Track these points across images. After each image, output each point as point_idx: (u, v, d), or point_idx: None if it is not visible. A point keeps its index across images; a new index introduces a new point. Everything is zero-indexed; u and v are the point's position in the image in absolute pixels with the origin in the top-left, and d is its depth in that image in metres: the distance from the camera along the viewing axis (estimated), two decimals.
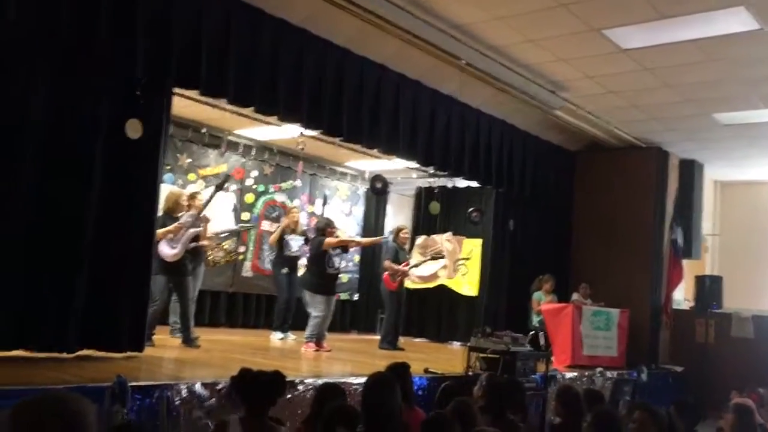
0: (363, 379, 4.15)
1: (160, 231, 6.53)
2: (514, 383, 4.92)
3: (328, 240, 7.99)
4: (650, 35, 6.62)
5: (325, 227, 8.19)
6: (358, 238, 10.91)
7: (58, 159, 5.12)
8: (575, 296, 9.80)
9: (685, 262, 10.68)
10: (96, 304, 5.29)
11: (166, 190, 7.66)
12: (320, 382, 4.86)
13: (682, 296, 11.23)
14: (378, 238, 10.71)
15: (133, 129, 5.45)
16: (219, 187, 7.41)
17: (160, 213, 6.44)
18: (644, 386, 8.68)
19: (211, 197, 7.31)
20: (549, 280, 9.61)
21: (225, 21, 5.95)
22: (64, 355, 5.10)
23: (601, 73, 7.77)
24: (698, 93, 8.12)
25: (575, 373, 8.01)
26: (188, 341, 6.96)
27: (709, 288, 10.40)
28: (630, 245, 10.20)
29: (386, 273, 8.93)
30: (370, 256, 12.19)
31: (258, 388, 3.44)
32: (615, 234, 10.31)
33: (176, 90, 6.10)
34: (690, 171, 10.87)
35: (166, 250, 6.87)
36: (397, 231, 9.24)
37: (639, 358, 9.32)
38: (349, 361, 7.57)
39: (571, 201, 10.88)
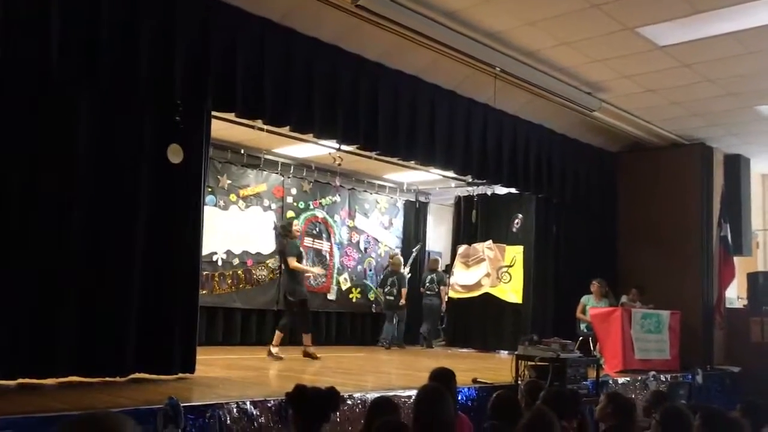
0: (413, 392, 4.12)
1: None
2: (558, 389, 4.81)
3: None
4: (686, 31, 6.51)
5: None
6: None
7: (104, 187, 5.24)
8: (624, 299, 9.60)
9: (736, 260, 10.39)
10: (148, 328, 5.39)
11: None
12: (369, 396, 4.85)
13: (735, 294, 10.92)
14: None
15: (175, 153, 5.57)
16: None
17: None
18: (700, 389, 8.46)
19: None
20: (597, 284, 9.43)
21: (259, 43, 6.03)
22: (117, 378, 5.20)
23: (639, 72, 7.65)
24: (739, 86, 7.94)
25: (627, 378, 7.85)
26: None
27: (762, 285, 10.15)
28: (678, 245, 9.96)
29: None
30: (415, 273, 12.09)
31: (313, 404, 3.42)
32: (661, 234, 10.08)
33: (214, 113, 6.21)
34: (736, 166, 10.61)
35: None
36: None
37: (693, 360, 9.10)
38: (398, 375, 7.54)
39: (615, 203, 10.69)
